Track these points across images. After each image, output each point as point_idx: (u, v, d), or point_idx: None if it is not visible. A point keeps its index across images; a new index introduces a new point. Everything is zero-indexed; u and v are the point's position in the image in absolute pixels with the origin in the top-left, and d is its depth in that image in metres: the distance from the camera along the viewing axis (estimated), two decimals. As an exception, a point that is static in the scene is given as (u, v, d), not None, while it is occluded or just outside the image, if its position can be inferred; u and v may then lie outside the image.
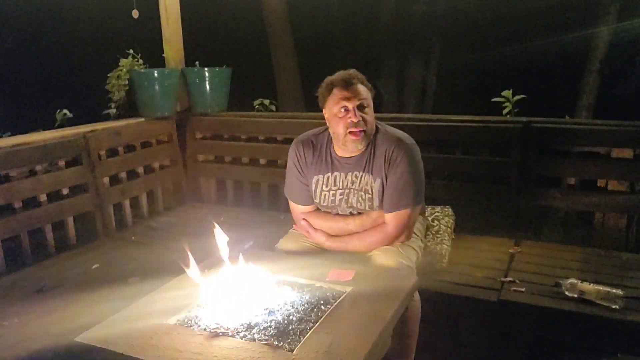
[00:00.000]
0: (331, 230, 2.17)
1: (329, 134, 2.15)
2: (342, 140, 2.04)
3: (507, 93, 3.20)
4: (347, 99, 2.00)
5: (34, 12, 8.09)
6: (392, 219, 2.07)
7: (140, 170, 3.28)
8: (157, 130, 3.42)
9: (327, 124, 2.12)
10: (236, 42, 7.72)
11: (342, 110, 2.01)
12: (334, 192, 2.15)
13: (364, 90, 2.04)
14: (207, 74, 3.54)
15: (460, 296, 2.18)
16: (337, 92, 2.02)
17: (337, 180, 2.14)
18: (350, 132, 2.01)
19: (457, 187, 2.92)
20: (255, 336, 1.48)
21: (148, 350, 1.42)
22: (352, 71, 2.07)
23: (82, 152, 2.86)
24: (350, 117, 2.00)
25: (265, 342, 1.44)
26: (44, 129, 3.20)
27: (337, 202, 2.15)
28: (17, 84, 8.23)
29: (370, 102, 2.06)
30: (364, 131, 2.02)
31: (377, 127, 2.13)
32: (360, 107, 2.01)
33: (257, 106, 4.00)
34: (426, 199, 2.29)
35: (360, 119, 2.00)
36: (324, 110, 2.11)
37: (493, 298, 2.14)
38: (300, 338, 1.46)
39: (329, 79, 2.08)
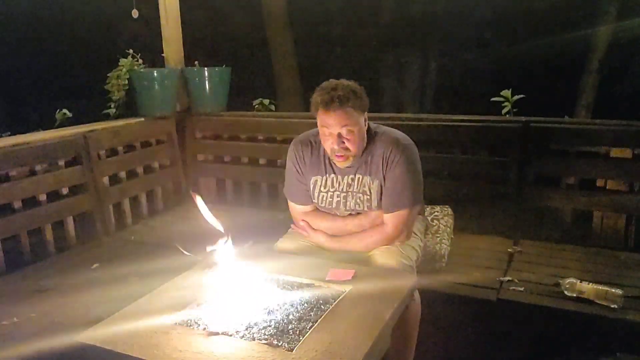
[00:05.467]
0: (330, 230, 2.17)
1: None
2: (330, 156, 2.07)
3: (506, 93, 3.20)
4: (328, 125, 1.97)
5: (33, 12, 8.09)
6: (391, 219, 2.07)
7: (140, 170, 3.28)
8: (156, 130, 3.42)
9: None
10: (236, 42, 7.73)
11: (326, 132, 2.00)
12: (332, 193, 2.15)
13: (347, 111, 1.93)
14: (206, 74, 3.54)
15: (460, 295, 2.19)
16: (320, 113, 1.98)
17: (335, 182, 2.14)
18: (335, 155, 2.02)
19: (456, 186, 2.92)
20: (255, 335, 1.48)
21: (148, 350, 1.42)
22: (335, 88, 1.95)
23: (82, 151, 2.86)
24: (332, 143, 1.99)
25: (265, 342, 1.44)
26: (44, 129, 3.20)
27: (334, 205, 2.15)
28: (17, 84, 8.23)
29: (356, 121, 1.96)
30: (347, 155, 2.01)
31: (374, 128, 2.13)
32: (340, 135, 1.97)
33: (257, 106, 4.00)
34: (425, 198, 2.29)
35: (343, 144, 1.98)
36: None
37: (492, 297, 2.15)
38: (299, 337, 1.46)
39: (314, 96, 2.00)
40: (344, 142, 1.98)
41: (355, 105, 1.96)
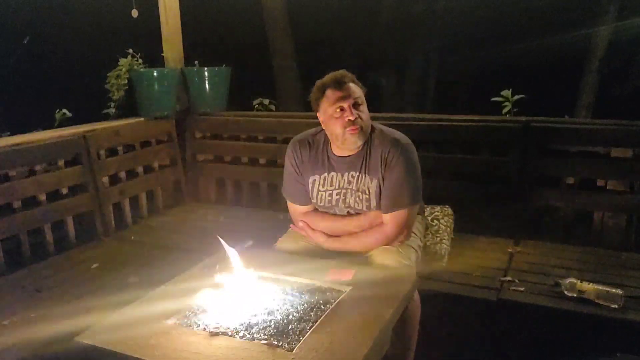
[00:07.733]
0: (329, 230, 2.16)
1: (326, 134, 2.15)
2: (341, 139, 2.05)
3: (506, 93, 3.20)
4: (342, 98, 2.01)
5: (33, 12, 8.09)
6: (390, 219, 2.07)
7: (140, 169, 3.28)
8: (156, 130, 3.42)
9: (323, 126, 2.12)
10: (236, 42, 7.72)
11: (338, 110, 2.01)
12: (331, 192, 2.15)
13: (356, 89, 2.05)
14: (206, 74, 3.54)
15: (460, 296, 2.19)
16: (330, 94, 2.03)
17: (334, 180, 2.14)
18: (349, 130, 2.02)
19: (456, 186, 2.92)
20: (255, 336, 1.48)
21: (148, 350, 1.42)
22: (342, 71, 2.08)
23: (82, 151, 2.86)
24: (347, 116, 2.00)
25: (265, 342, 1.44)
26: (44, 129, 3.20)
27: (333, 202, 2.15)
28: (17, 84, 8.22)
29: (363, 99, 2.07)
30: (361, 127, 2.03)
31: (373, 127, 2.13)
32: (355, 105, 2.02)
33: (257, 106, 4.00)
34: (426, 198, 2.29)
35: (357, 116, 2.01)
36: (318, 114, 2.11)
37: (492, 297, 2.15)
38: (299, 337, 1.46)
39: (320, 82, 2.08)
40: (358, 114, 2.02)
41: (359, 85, 2.08)
